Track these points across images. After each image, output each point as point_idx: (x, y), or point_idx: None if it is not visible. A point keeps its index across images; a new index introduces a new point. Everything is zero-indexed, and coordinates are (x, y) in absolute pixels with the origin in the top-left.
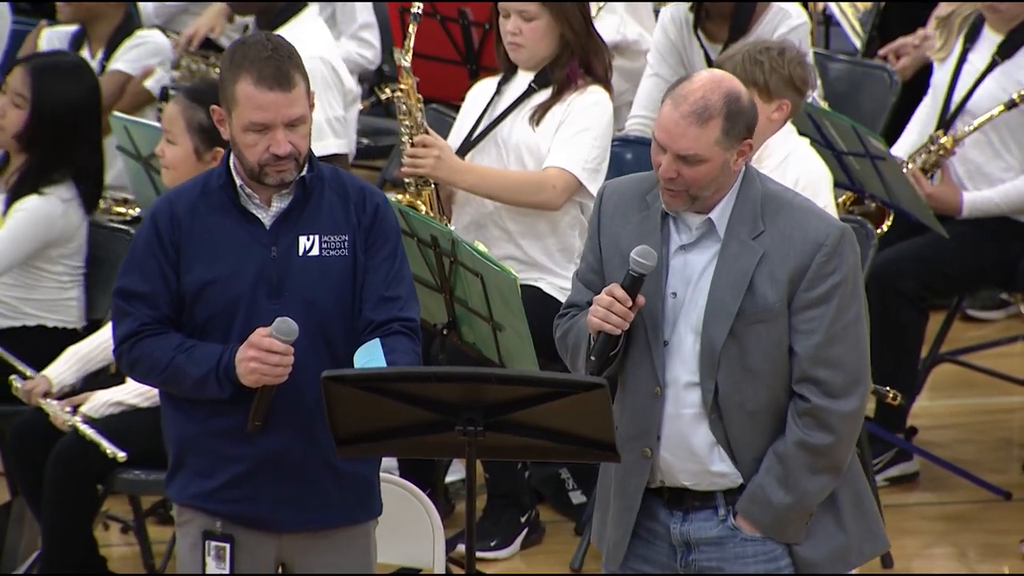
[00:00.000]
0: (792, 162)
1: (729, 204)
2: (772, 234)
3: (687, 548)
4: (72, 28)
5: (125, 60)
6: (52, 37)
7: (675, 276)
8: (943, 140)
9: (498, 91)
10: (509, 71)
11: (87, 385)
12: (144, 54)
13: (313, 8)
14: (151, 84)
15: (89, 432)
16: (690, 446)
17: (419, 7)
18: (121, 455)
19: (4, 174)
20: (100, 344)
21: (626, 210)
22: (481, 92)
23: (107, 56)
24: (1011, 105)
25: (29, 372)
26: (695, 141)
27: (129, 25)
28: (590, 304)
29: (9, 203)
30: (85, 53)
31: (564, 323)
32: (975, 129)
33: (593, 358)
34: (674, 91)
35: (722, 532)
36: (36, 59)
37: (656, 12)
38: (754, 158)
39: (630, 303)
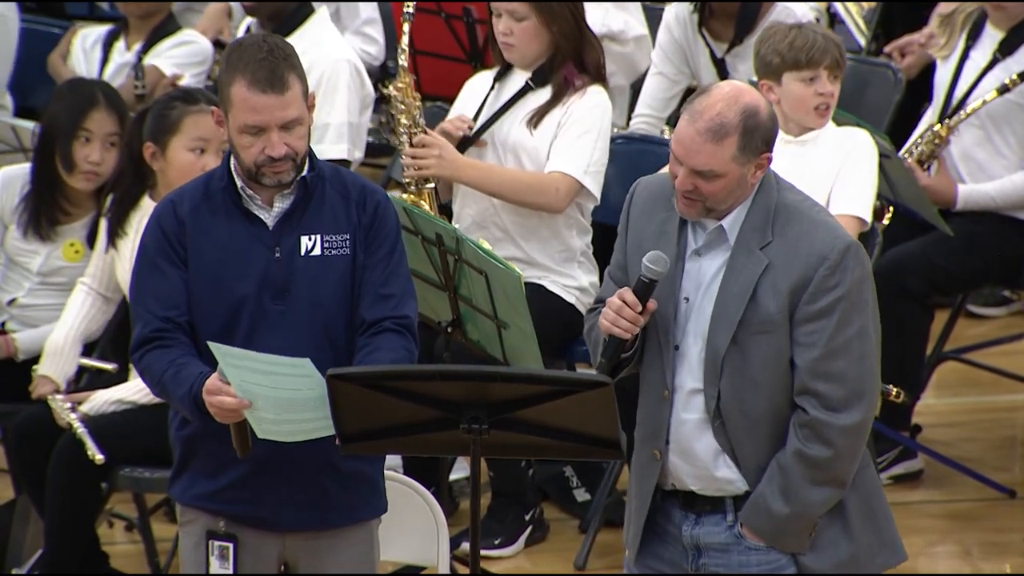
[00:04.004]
0: (852, 138)
1: (742, 212)
2: (779, 245)
3: (697, 552)
4: (105, 27)
5: (167, 57)
6: (86, 37)
7: (689, 280)
8: (937, 128)
9: (493, 87)
10: (504, 67)
11: (92, 383)
12: (187, 55)
13: (324, 12)
14: (188, 85)
15: (79, 431)
16: (695, 451)
17: (411, 6)
18: (99, 457)
19: (60, 219)
20: (72, 324)
21: (653, 208)
22: (477, 87)
23: (145, 49)
24: (1003, 90)
25: (110, 367)
26: (711, 158)
27: (170, 23)
28: None
29: (113, 232)
30: (120, 46)
31: (591, 318)
32: (968, 115)
33: (603, 360)
34: (692, 104)
35: (728, 539)
36: (98, 94)
37: (648, 9)
38: (802, 136)
39: (639, 308)
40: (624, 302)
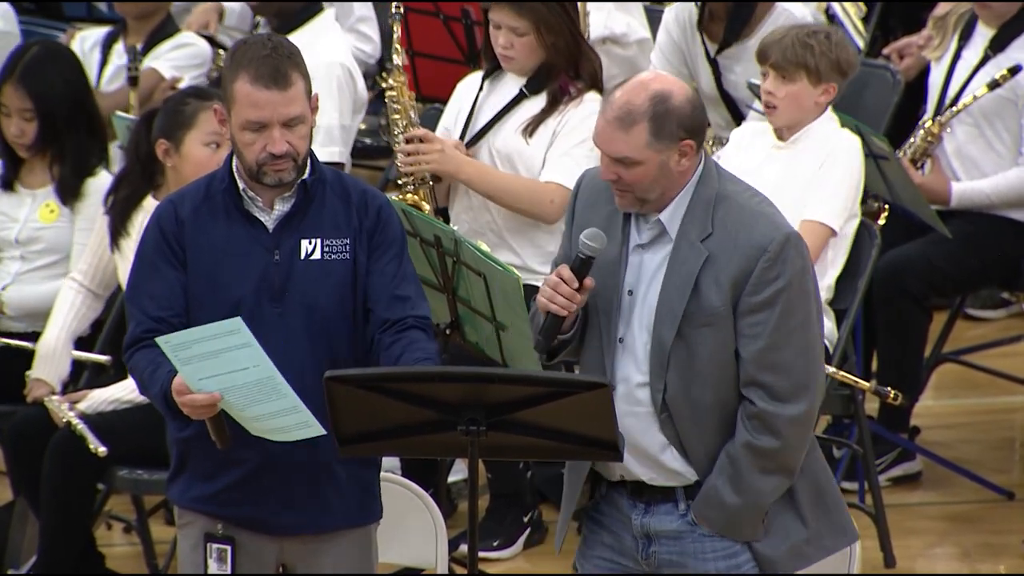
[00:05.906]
0: (834, 139)
1: (682, 205)
2: (720, 237)
3: (648, 540)
4: (104, 29)
5: (165, 59)
6: (85, 39)
7: (631, 274)
8: (929, 125)
9: (482, 87)
10: (494, 66)
11: (91, 383)
12: (186, 57)
13: (330, 13)
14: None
15: (79, 427)
16: (642, 445)
17: (398, 6)
18: (102, 450)
19: (21, 173)
20: (63, 325)
21: (598, 200)
22: (468, 88)
23: (144, 52)
24: (994, 85)
25: (104, 359)
26: (623, 145)
27: (169, 25)
28: None
29: (64, 198)
30: (119, 48)
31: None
32: (959, 111)
33: (540, 337)
34: (607, 96)
35: (681, 526)
36: (18, 67)
37: (648, 10)
38: (790, 139)
39: (576, 284)
40: (561, 278)
